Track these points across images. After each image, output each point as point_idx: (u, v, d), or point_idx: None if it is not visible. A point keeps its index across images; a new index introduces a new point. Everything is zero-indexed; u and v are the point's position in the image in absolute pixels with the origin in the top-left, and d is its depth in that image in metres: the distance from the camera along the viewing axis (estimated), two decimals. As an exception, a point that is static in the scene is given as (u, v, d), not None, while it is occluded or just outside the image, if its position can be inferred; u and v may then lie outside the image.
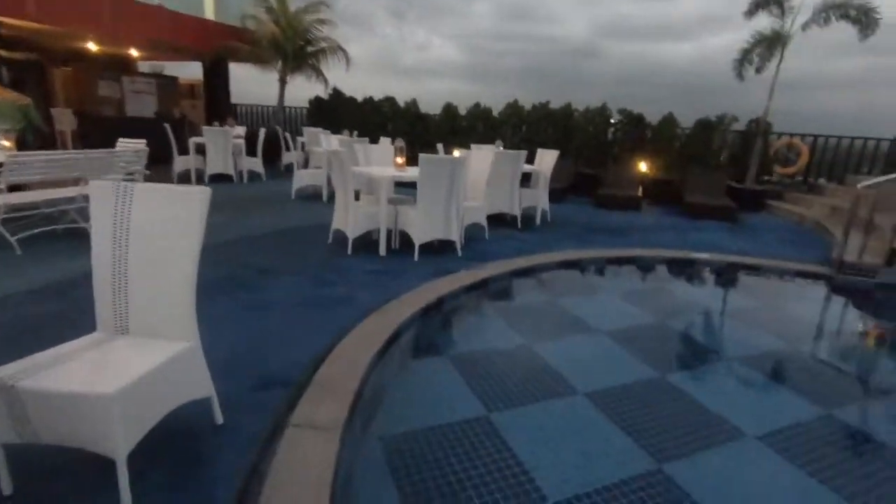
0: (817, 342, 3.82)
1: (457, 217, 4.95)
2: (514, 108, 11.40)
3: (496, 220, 6.27)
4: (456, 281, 4.11)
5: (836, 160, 9.63)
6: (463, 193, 5.00)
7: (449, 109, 11.95)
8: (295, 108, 13.67)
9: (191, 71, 14.65)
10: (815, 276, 5.04)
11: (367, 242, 5.09)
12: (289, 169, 10.58)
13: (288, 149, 10.77)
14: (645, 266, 5.29)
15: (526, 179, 7.06)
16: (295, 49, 12.16)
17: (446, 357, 3.06)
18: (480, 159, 5.99)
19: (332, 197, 7.73)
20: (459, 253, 5.01)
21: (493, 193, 6.17)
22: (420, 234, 4.73)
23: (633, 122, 10.49)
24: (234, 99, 14.32)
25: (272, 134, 10.93)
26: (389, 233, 4.99)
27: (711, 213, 8.02)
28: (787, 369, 3.24)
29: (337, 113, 12.71)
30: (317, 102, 13.11)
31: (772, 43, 8.72)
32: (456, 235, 4.98)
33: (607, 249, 5.55)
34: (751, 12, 9.01)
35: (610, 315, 3.92)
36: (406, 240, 4.96)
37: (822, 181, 9.65)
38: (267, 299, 3.62)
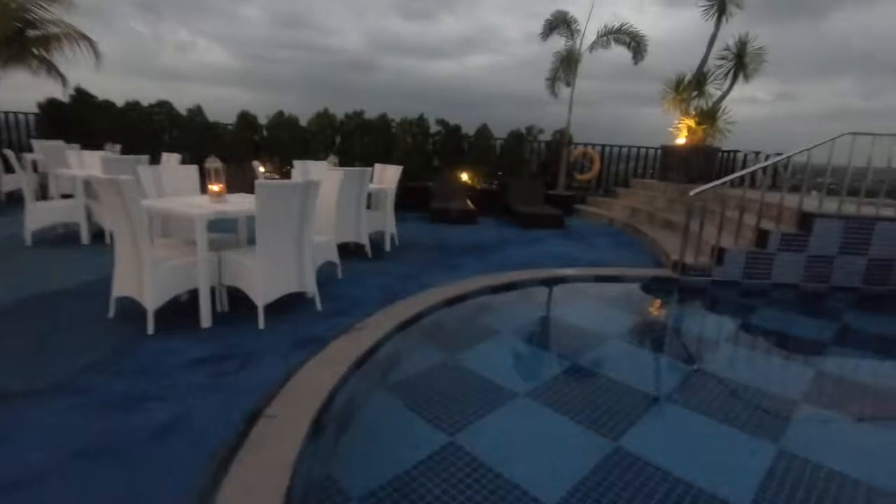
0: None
1: (311, 259, 3.72)
2: (325, 118, 10.22)
3: (340, 250, 5.18)
4: (339, 357, 2.94)
5: (619, 166, 11.05)
6: (314, 227, 3.77)
7: (246, 118, 10.11)
8: (17, 113, 9.96)
9: None
10: (666, 280, 5.28)
11: (176, 309, 3.47)
12: (13, 199, 7.50)
13: (9, 170, 7.60)
14: (533, 288, 4.85)
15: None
16: (7, 33, 8.76)
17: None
18: (326, 180, 4.79)
19: (98, 237, 5.52)
20: (319, 306, 3.78)
21: (341, 221, 5.04)
22: (265, 292, 3.36)
23: (451, 132, 10.36)
24: None
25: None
26: (213, 291, 3.48)
27: (542, 221, 8.23)
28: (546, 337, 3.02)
29: (84, 121, 9.61)
30: (52, 107, 9.72)
31: (568, 62, 9.46)
32: (313, 284, 3.74)
33: (490, 276, 4.94)
34: (546, 34, 9.68)
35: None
36: (237, 298, 3.52)
37: (615, 187, 10.95)
38: None
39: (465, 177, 10.14)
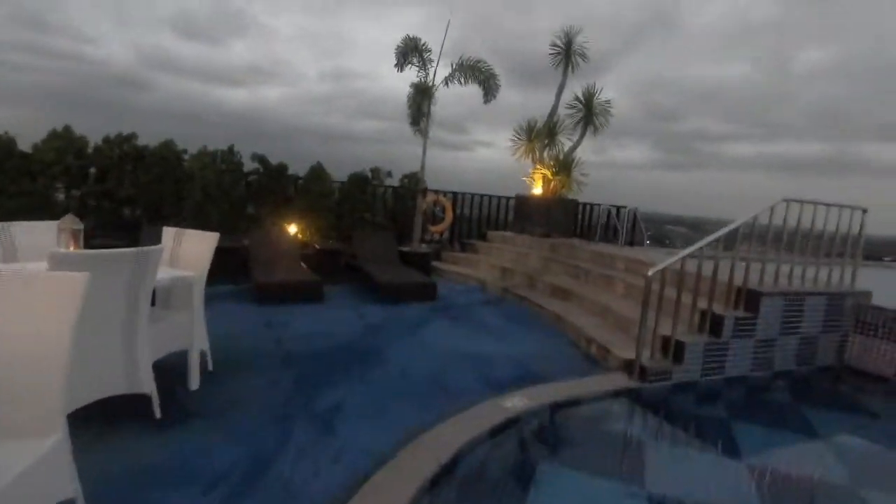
0: None
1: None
2: (66, 140, 6.67)
3: (96, 410, 2.46)
4: None
5: (472, 216, 9.90)
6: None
7: None
8: None
9: None
10: (628, 392, 3.86)
11: None
12: None
13: None
14: (482, 452, 2.81)
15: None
16: None
17: None
18: (43, 284, 2.06)
19: None
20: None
21: (86, 362, 2.32)
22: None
23: (274, 172, 7.82)
24: None
25: None
26: None
27: (411, 292, 6.32)
28: None
29: None
30: None
31: (423, 94, 7.96)
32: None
33: (413, 449, 2.77)
34: (400, 64, 8.08)
35: None
36: None
37: (472, 240, 9.70)
38: None
39: (293, 230, 7.68)
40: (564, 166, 8.82)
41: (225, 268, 6.08)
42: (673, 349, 4.13)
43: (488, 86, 8.33)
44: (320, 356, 4.08)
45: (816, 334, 4.77)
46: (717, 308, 4.42)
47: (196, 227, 3.63)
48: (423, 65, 8.07)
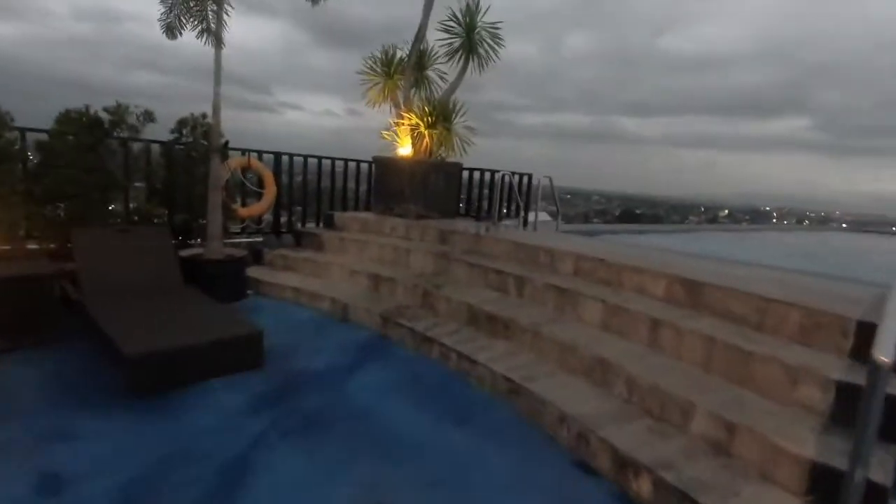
0: None
1: None
2: None
3: None
4: None
5: (307, 191, 6.54)
6: None
7: None
8: None
9: None
10: None
11: None
12: None
13: None
14: None
15: None
16: None
17: None
18: None
19: None
20: None
21: None
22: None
23: None
24: None
25: None
26: None
27: (209, 365, 2.96)
28: None
29: None
30: None
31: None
32: None
33: None
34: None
35: None
36: None
37: (310, 226, 6.34)
38: None
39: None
40: (443, 114, 6.08)
41: None
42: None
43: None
44: None
45: None
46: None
47: None
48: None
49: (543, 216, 6.77)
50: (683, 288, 3.28)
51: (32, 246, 4.20)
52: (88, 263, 3.66)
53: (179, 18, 4.48)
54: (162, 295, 3.66)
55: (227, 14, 4.35)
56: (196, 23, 4.26)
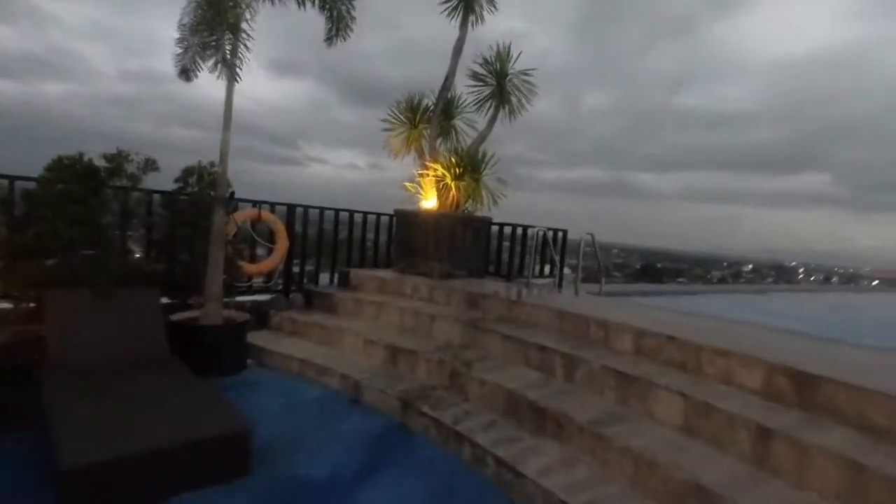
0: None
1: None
2: None
3: None
4: None
5: (322, 246, 6.02)
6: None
7: None
8: None
9: None
10: None
11: None
12: None
13: None
14: None
15: None
16: None
17: None
18: None
19: None
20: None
21: None
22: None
23: None
24: None
25: None
26: None
27: (176, 476, 2.31)
28: None
29: None
30: None
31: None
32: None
33: None
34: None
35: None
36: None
37: (324, 282, 5.76)
38: None
39: None
40: (472, 165, 5.59)
41: None
42: None
43: (338, 12, 4.60)
44: None
45: None
46: None
47: None
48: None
49: (568, 273, 6.11)
50: (789, 381, 2.55)
51: (5, 306, 3.69)
52: (58, 332, 3.10)
53: (194, 59, 4.13)
54: (140, 372, 3.04)
55: (246, 46, 3.97)
56: (210, 54, 3.87)
